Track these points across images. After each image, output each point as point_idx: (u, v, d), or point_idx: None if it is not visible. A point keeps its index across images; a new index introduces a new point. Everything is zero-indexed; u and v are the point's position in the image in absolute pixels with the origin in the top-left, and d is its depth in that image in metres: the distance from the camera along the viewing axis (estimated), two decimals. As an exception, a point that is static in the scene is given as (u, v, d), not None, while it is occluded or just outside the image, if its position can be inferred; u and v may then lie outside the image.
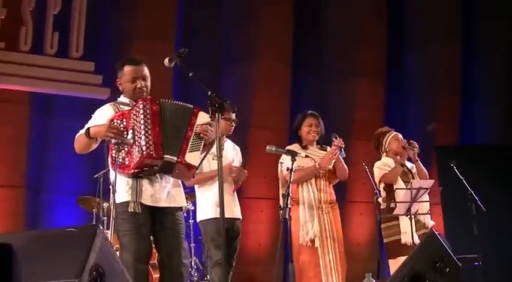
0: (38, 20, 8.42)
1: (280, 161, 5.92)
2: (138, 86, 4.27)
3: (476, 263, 6.89)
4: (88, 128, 4.16)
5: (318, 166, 5.82)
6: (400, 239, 6.02)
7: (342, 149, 5.74)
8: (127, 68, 4.30)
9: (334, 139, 5.80)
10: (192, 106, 4.24)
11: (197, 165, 4.20)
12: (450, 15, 11.00)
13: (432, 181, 6.25)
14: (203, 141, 4.18)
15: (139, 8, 9.03)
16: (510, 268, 9.12)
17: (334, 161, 5.85)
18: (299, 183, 5.81)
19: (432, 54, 10.80)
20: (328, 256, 5.74)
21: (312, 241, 5.72)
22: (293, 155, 5.21)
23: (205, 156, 4.25)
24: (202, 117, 4.20)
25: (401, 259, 5.86)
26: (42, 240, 3.52)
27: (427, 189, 6.01)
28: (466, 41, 11.14)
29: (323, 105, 10.38)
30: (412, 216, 5.95)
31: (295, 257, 5.66)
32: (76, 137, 4.26)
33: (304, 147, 5.99)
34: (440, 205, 9.43)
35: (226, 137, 5.76)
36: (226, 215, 5.38)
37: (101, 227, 3.50)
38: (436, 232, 5.17)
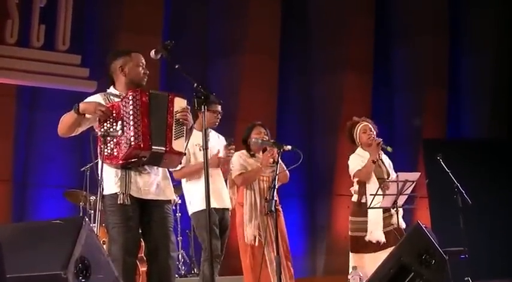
0: (24, 13, 8.38)
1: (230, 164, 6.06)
2: (143, 72, 4.32)
3: (462, 256, 6.92)
4: (78, 104, 4.14)
5: (260, 165, 5.98)
6: (365, 236, 6.03)
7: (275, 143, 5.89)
8: (135, 54, 4.33)
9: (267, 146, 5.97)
10: (167, 93, 4.26)
11: (184, 151, 4.20)
12: (438, 9, 11.03)
13: (418, 174, 6.25)
14: (185, 127, 4.18)
15: (126, 0, 9.00)
16: (496, 261, 9.18)
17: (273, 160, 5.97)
18: (246, 185, 5.94)
19: (420, 48, 10.83)
20: (274, 254, 5.84)
21: (255, 240, 5.82)
22: (279, 147, 5.29)
23: (187, 142, 4.25)
24: (179, 103, 4.21)
25: (365, 255, 5.94)
26: (27, 232, 3.52)
27: (413, 182, 6.02)
28: (453, 35, 11.18)
29: (310, 98, 10.41)
30: (399, 209, 5.97)
31: (242, 256, 5.81)
32: (62, 117, 4.23)
33: (252, 155, 6.11)
34: (427, 198, 9.48)
35: (211, 128, 5.80)
36: (217, 205, 5.45)
37: (87, 219, 3.50)
38: (422, 225, 5.19)
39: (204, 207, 5.45)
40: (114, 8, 8.97)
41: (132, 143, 3.99)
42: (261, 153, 6.13)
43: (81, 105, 4.13)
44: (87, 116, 4.14)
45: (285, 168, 5.98)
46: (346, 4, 10.36)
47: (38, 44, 8.45)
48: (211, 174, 5.36)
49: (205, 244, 5.54)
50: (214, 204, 5.33)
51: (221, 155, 5.78)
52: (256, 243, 5.84)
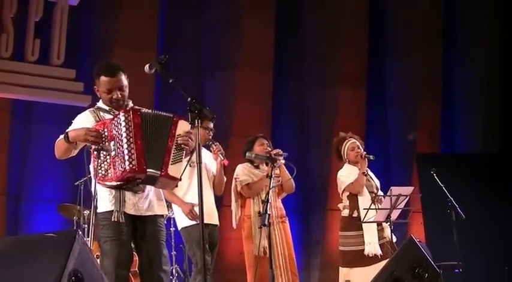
0: (19, 27, 8.40)
1: (235, 176, 6.05)
2: (114, 97, 4.21)
3: (456, 270, 6.93)
4: (67, 132, 4.14)
5: (266, 174, 5.97)
6: (363, 250, 6.03)
7: (282, 152, 5.88)
8: (102, 79, 4.20)
9: (271, 154, 5.95)
10: (171, 115, 4.17)
11: (180, 176, 4.18)
12: (431, 23, 11.08)
13: (411, 188, 6.28)
14: (184, 152, 4.16)
15: (121, 15, 9.03)
16: (490, 275, 9.18)
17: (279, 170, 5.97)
18: (253, 195, 5.92)
19: (413, 62, 10.87)
20: (280, 269, 5.82)
21: (265, 252, 5.81)
22: (273, 161, 5.30)
23: (186, 165, 4.23)
24: (183, 126, 4.16)
25: (357, 269, 5.94)
26: (21, 245, 3.52)
27: (406, 196, 6.04)
28: (446, 49, 11.23)
29: (304, 112, 10.43)
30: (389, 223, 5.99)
31: (248, 269, 5.79)
32: (56, 142, 4.24)
33: (256, 167, 6.11)
34: (421, 213, 9.49)
35: (202, 146, 5.81)
36: (207, 221, 5.45)
37: (80, 233, 3.50)
38: (415, 238, 5.20)
39: (194, 222, 5.54)
40: (109, 22, 9.00)
41: (127, 168, 3.95)
42: (264, 164, 6.13)
43: (71, 134, 4.11)
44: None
45: (290, 177, 5.99)
46: (339, 18, 10.41)
47: (32, 58, 8.45)
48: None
49: (195, 258, 5.55)
50: (206, 219, 5.34)
51: (214, 170, 5.80)
52: (267, 255, 5.82)
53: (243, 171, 6.06)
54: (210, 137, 5.77)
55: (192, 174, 5.47)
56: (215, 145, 5.74)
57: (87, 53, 8.93)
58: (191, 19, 9.84)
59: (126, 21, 8.99)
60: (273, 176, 5.22)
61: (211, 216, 5.65)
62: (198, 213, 5.53)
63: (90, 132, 4.05)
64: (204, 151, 5.83)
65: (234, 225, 6.09)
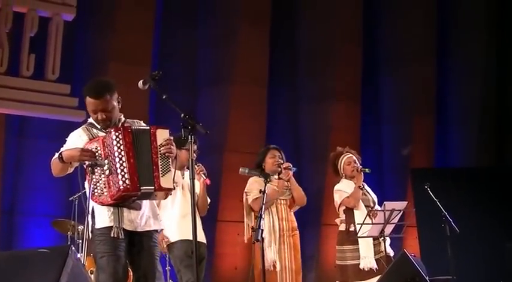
0: (14, 42, 8.42)
1: (246, 190, 6.04)
2: (99, 118, 4.21)
3: (450, 285, 6.93)
4: (61, 153, 4.15)
5: (276, 188, 5.95)
6: (359, 264, 6.03)
7: (292, 167, 5.94)
8: (88, 99, 4.20)
9: (281, 167, 6.01)
10: (148, 127, 4.19)
11: (172, 185, 4.21)
12: (425, 38, 11.14)
13: (405, 203, 6.29)
14: (170, 160, 4.18)
15: (116, 31, 9.06)
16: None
17: (289, 183, 5.99)
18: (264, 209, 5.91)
19: (407, 76, 10.92)
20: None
21: (274, 266, 5.80)
22: (266, 177, 5.32)
23: (175, 172, 4.24)
24: (162, 135, 4.17)
25: None
26: (14, 260, 3.51)
27: (400, 211, 6.05)
28: (440, 63, 11.28)
29: (299, 127, 10.45)
30: (386, 237, 5.99)
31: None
32: (51, 161, 4.24)
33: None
34: (416, 227, 9.49)
35: (186, 167, 5.81)
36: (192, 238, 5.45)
37: (73, 248, 3.50)
38: (408, 253, 5.21)
39: (177, 239, 5.59)
40: (103, 37, 9.03)
41: (121, 187, 3.97)
42: (276, 176, 6.12)
43: (65, 154, 4.11)
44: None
45: (300, 189, 5.99)
46: (334, 33, 10.46)
47: (27, 73, 8.47)
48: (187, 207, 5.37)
49: (180, 274, 5.58)
50: (190, 236, 5.34)
51: (197, 191, 5.79)
52: (277, 268, 5.81)
53: (253, 185, 6.03)
54: (194, 158, 5.78)
55: (175, 195, 5.50)
56: (197, 166, 5.75)
57: (82, 68, 8.95)
58: (186, 34, 9.87)
59: (121, 36, 9.01)
60: (266, 191, 5.22)
61: (198, 232, 5.64)
62: (165, 246, 5.61)
63: (84, 152, 4.06)
64: (187, 173, 5.84)
65: (245, 240, 6.07)
